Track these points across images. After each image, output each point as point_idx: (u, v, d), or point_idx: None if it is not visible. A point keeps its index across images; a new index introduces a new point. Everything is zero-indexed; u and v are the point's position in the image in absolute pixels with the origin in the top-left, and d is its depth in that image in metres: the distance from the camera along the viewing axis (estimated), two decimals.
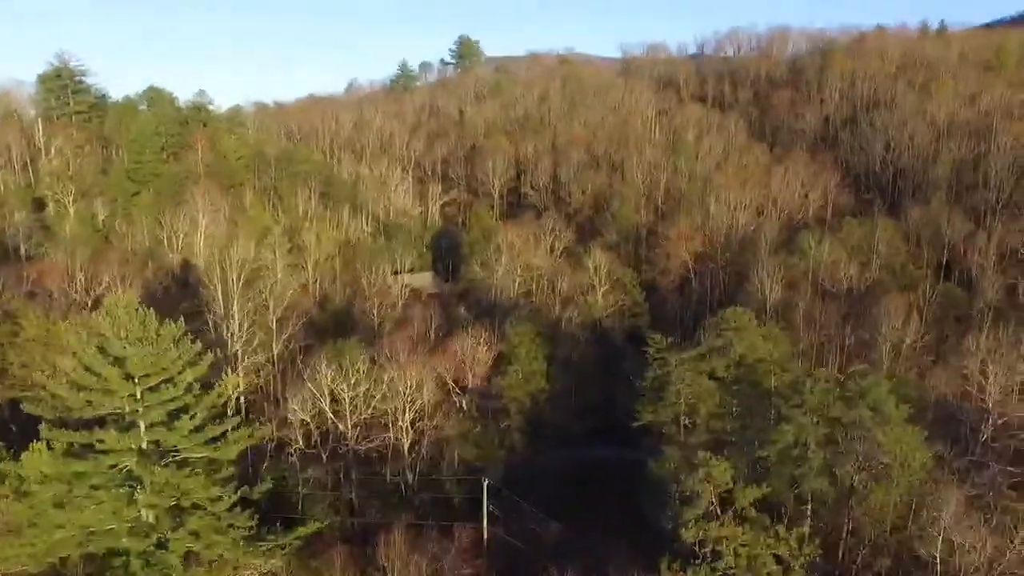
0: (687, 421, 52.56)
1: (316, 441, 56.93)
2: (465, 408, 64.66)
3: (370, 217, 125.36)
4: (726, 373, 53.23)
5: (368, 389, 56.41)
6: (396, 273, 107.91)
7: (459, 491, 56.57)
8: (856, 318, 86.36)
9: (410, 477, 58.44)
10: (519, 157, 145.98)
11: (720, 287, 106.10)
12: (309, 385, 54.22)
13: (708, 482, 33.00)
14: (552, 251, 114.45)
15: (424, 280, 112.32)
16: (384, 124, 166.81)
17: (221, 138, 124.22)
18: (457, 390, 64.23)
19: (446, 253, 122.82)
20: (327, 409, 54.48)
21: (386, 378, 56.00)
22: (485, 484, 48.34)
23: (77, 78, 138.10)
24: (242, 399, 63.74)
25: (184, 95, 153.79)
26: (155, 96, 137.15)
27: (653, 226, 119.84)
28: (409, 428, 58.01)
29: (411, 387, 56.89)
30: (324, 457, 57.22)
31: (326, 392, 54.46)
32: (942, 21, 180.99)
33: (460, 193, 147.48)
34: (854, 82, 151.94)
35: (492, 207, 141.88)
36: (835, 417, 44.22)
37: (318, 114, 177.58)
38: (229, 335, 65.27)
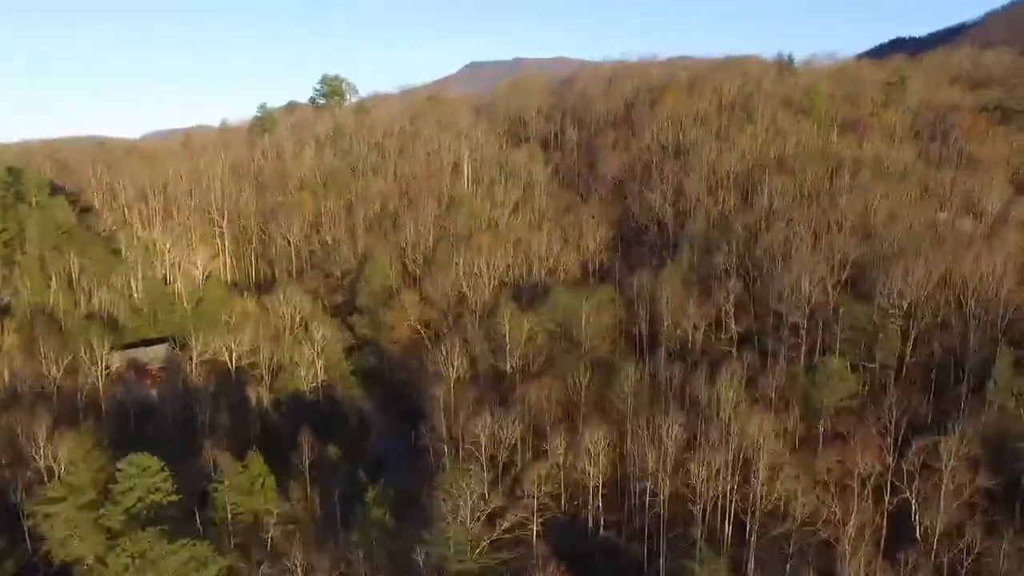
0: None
1: None
2: None
3: (136, 285, 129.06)
4: (123, 518, 55.38)
5: None
6: (121, 348, 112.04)
7: None
8: (500, 405, 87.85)
9: None
10: (318, 213, 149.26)
11: None
12: None
13: None
14: (291, 319, 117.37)
15: (156, 353, 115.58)
16: (210, 176, 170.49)
17: None
18: None
19: None
20: None
21: None
22: None
23: None
24: None
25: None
26: None
27: (406, 288, 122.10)
28: None
29: None
30: None
31: None
32: (790, 55, 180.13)
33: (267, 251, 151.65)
34: (670, 123, 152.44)
35: (290, 267, 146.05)
36: None
37: (160, 160, 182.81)
38: None
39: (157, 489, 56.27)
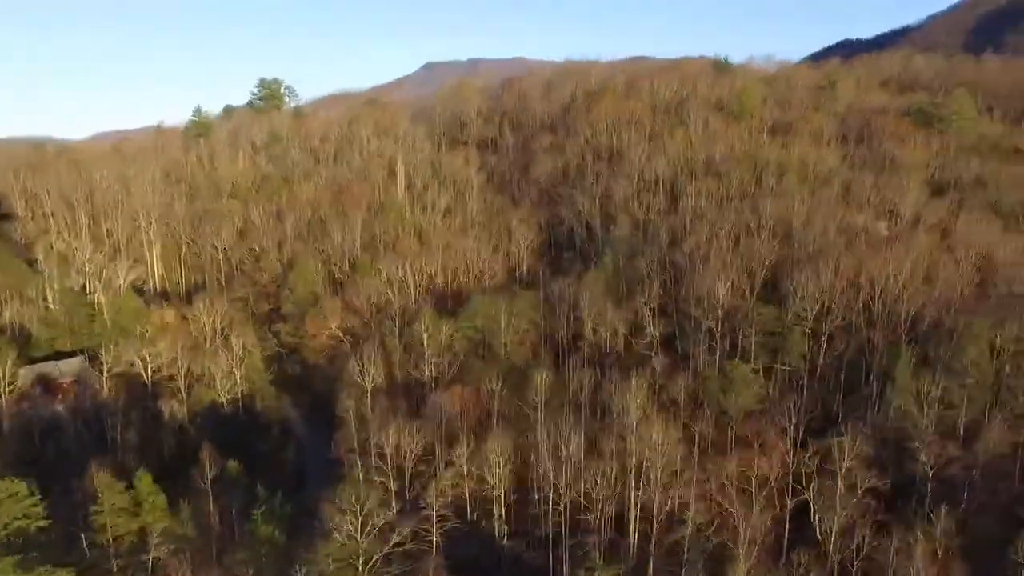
0: None
1: None
2: None
3: (52, 296, 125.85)
4: None
5: None
6: (31, 362, 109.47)
7: None
8: (413, 415, 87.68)
9: None
10: (249, 220, 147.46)
11: None
12: None
13: None
14: (212, 329, 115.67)
15: (70, 367, 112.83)
16: (142, 182, 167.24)
17: None
18: None
19: None
20: None
21: None
22: None
23: None
24: None
25: None
26: None
27: (332, 295, 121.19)
28: None
29: None
30: None
31: None
32: (726, 57, 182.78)
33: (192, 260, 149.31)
34: (604, 126, 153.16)
35: (216, 278, 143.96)
36: None
37: (90, 165, 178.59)
38: None
39: (25, 515, 54.91)
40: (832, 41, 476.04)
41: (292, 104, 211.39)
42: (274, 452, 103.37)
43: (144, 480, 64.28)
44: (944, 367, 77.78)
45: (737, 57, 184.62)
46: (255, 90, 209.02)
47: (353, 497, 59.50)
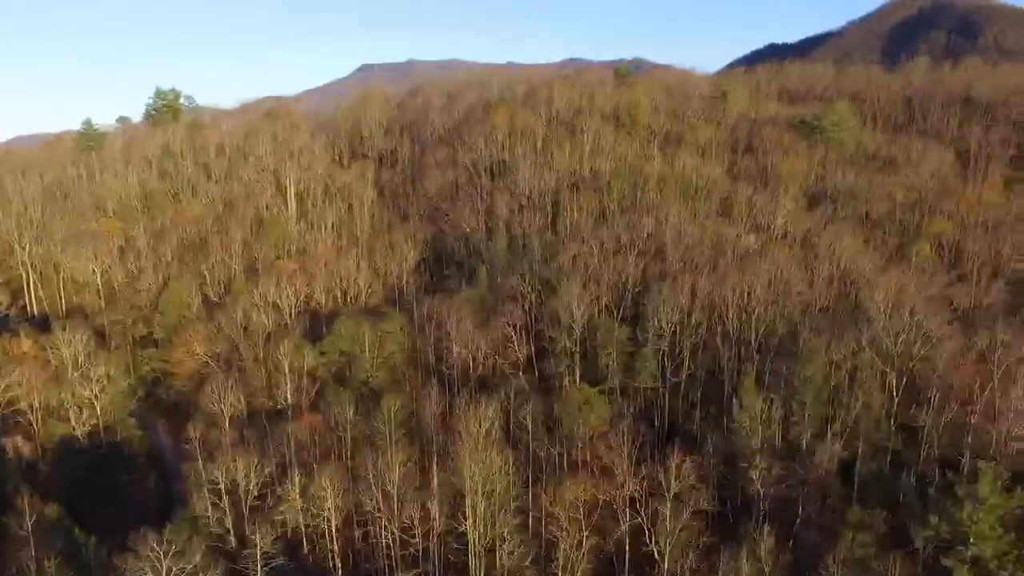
0: None
1: None
2: None
3: None
4: None
5: None
6: None
7: None
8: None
9: None
10: (130, 239, 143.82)
11: None
12: None
13: None
14: (73, 358, 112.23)
15: None
16: (22, 197, 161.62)
17: None
18: None
19: None
20: None
21: None
22: None
23: None
24: None
25: None
26: None
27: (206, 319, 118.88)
28: None
29: None
30: None
31: None
32: (625, 67, 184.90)
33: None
34: (496, 138, 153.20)
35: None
36: None
37: None
38: None
39: None
40: (761, 44, 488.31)
41: (193, 112, 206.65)
42: (136, 483, 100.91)
43: None
44: (786, 384, 79.65)
45: (669, 60, 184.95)
46: (150, 100, 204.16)
47: (153, 540, 58.11)
